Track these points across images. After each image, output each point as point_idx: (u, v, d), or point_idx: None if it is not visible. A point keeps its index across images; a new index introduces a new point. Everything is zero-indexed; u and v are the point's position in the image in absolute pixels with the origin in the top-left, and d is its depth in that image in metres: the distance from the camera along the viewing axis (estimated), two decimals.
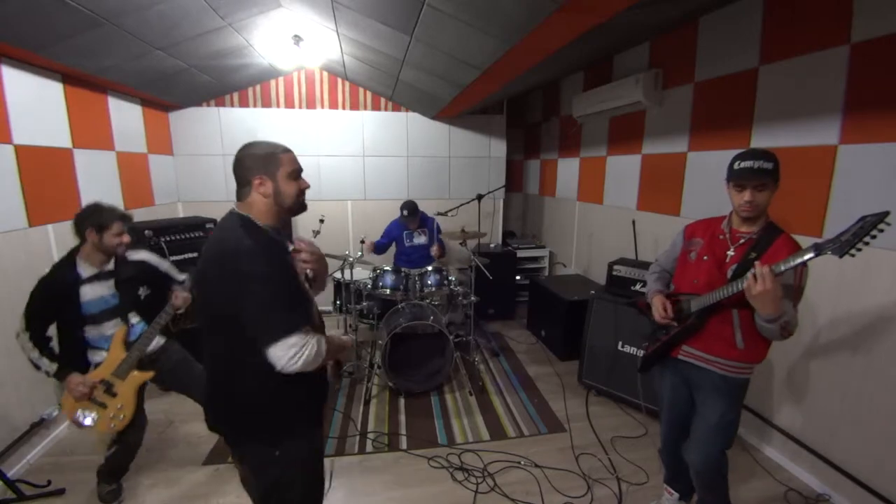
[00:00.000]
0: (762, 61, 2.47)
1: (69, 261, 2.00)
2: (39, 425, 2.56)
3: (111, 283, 2.06)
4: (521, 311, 4.90)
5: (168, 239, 3.25)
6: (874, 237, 1.32)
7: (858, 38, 2.00)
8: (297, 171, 1.48)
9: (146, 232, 3.11)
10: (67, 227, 2.86)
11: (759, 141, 2.51)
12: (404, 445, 2.67)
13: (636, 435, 2.78)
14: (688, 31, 2.97)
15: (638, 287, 3.06)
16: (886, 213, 1.30)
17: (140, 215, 3.78)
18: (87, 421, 2.01)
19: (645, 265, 3.08)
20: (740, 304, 1.60)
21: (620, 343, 3.06)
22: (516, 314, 4.95)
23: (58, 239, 2.81)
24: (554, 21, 1.89)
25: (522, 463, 2.51)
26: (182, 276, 2.24)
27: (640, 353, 2.95)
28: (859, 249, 1.33)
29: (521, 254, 5.12)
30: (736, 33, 2.62)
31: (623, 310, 3.06)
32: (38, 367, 1.97)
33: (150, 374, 2.11)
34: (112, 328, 2.06)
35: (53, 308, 1.97)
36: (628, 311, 3.03)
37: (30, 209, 2.59)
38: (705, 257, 1.76)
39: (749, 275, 1.44)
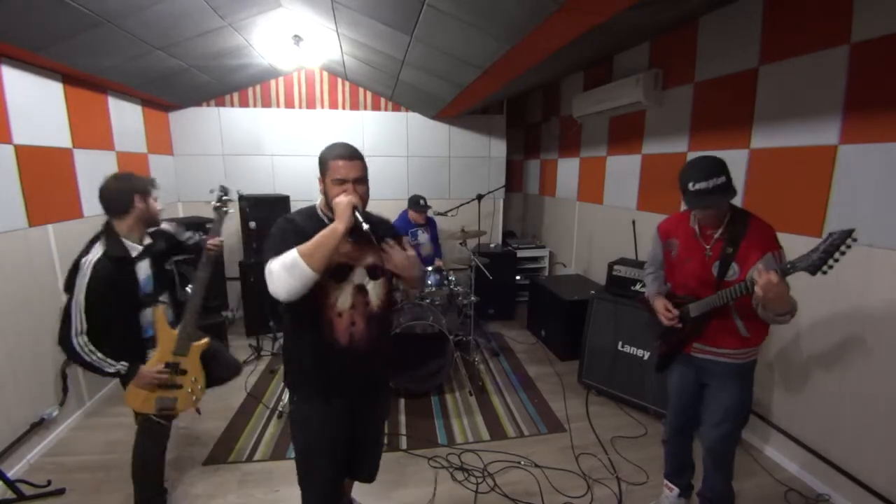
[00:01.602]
0: (762, 61, 2.47)
1: (115, 239, 1.83)
2: (39, 425, 2.56)
3: (147, 263, 1.94)
4: (521, 311, 4.90)
5: None
6: (843, 254, 1.35)
7: (858, 38, 2.00)
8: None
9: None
10: (67, 226, 2.91)
11: (760, 141, 2.51)
12: (404, 445, 2.67)
13: (636, 435, 2.78)
14: (688, 31, 2.97)
15: (638, 287, 3.06)
16: (851, 231, 1.34)
17: None
18: (171, 406, 1.96)
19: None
20: (737, 302, 1.65)
21: (620, 343, 3.06)
22: (516, 314, 4.95)
23: (58, 239, 2.80)
24: (554, 21, 1.89)
25: (522, 463, 2.51)
26: (188, 233, 2.20)
27: (641, 352, 2.95)
28: (831, 267, 1.36)
29: (521, 254, 5.12)
30: (736, 33, 2.62)
31: (623, 310, 3.07)
32: (100, 371, 1.79)
33: (206, 338, 2.02)
34: (150, 312, 1.94)
35: (113, 295, 1.79)
36: (628, 310, 3.03)
37: (30, 209, 2.59)
38: (687, 260, 1.81)
39: (759, 282, 1.43)
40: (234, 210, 2.25)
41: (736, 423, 1.81)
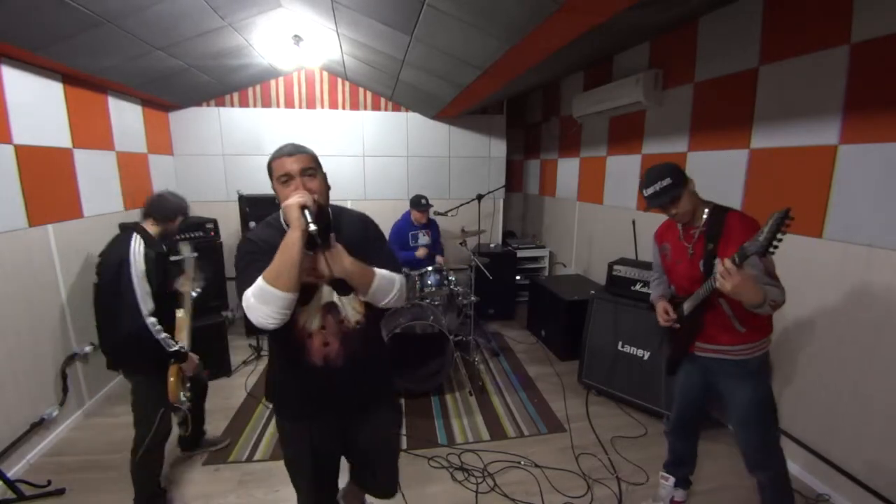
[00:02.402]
0: (762, 61, 2.47)
1: (151, 237, 2.08)
2: (39, 425, 2.56)
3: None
4: (521, 311, 4.90)
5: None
6: (784, 233, 1.38)
7: (858, 38, 2.00)
8: None
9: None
10: (67, 226, 2.91)
11: (760, 141, 2.51)
12: (404, 445, 2.67)
13: (636, 435, 2.78)
14: (688, 31, 2.97)
15: (638, 287, 3.06)
16: (788, 210, 1.37)
17: (140, 215, 3.78)
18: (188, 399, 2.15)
19: (645, 265, 3.09)
20: (724, 294, 1.61)
21: (620, 343, 3.06)
22: (516, 314, 4.95)
23: (58, 239, 2.81)
24: (554, 21, 1.89)
25: (522, 463, 2.51)
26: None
27: (641, 352, 2.95)
28: (776, 247, 1.39)
29: (521, 254, 5.12)
30: (736, 33, 2.62)
31: (623, 310, 3.07)
32: (167, 348, 1.97)
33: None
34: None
35: (162, 282, 2.02)
36: (628, 310, 3.04)
37: (30, 209, 2.59)
38: (678, 261, 1.85)
39: (716, 274, 1.50)
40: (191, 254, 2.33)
41: (760, 420, 1.78)
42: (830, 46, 2.11)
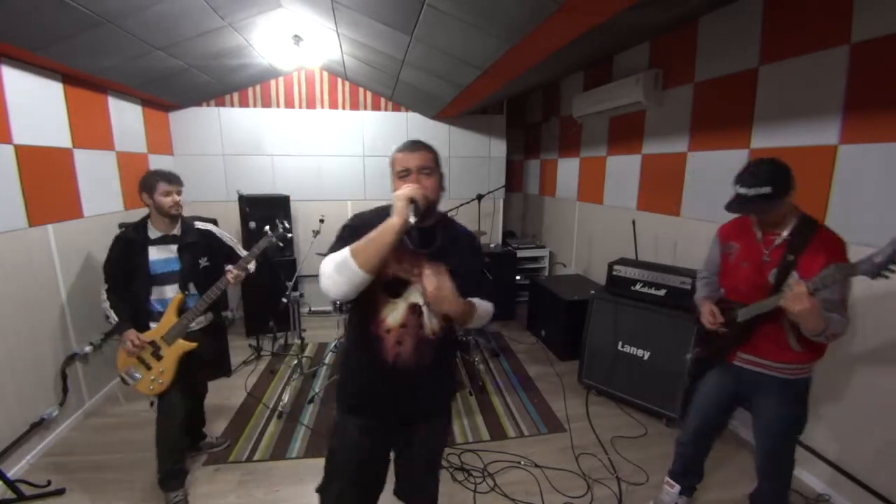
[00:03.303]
0: (762, 61, 2.47)
1: (141, 223, 2.18)
2: (39, 425, 2.56)
3: (174, 247, 2.19)
4: (521, 311, 4.90)
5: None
6: None
7: (858, 38, 2.00)
8: None
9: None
10: (67, 226, 2.91)
11: (760, 141, 2.51)
12: None
13: (636, 435, 2.78)
14: (688, 31, 2.97)
15: (638, 287, 3.06)
16: None
17: (140, 215, 3.77)
18: (133, 378, 2.14)
19: (645, 265, 3.09)
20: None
21: (620, 343, 3.06)
22: (516, 314, 4.95)
23: (58, 239, 2.81)
24: (554, 21, 1.89)
25: (522, 463, 2.51)
26: (244, 253, 2.31)
27: (641, 352, 2.95)
28: (893, 271, 1.29)
29: (521, 254, 5.12)
30: (736, 33, 2.62)
31: (623, 310, 3.07)
32: (107, 318, 2.11)
33: (193, 345, 2.18)
34: (172, 293, 2.17)
35: (125, 264, 2.12)
36: (628, 311, 3.03)
37: (30, 209, 2.59)
38: (744, 263, 1.73)
39: (786, 293, 1.41)
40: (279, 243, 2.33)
41: (789, 440, 1.75)
42: (830, 46, 2.11)
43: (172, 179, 2.16)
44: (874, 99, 1.97)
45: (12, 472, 2.33)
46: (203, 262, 2.26)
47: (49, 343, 2.71)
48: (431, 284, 1.24)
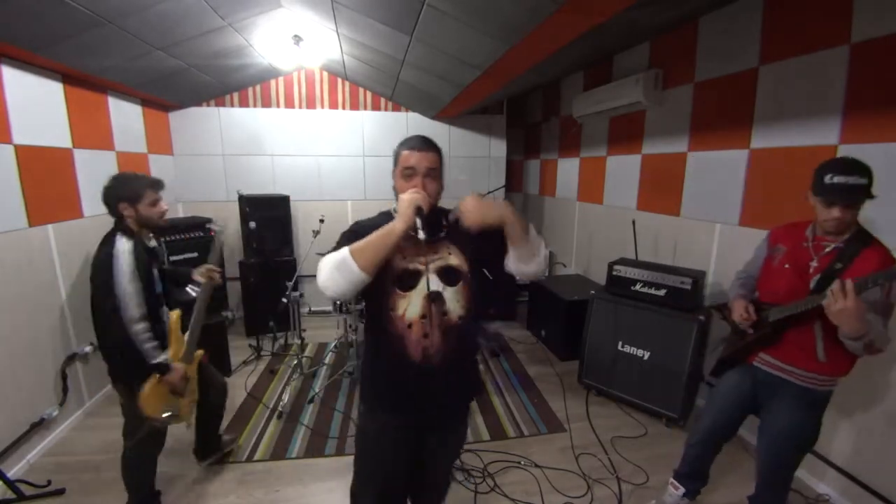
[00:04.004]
0: (762, 61, 2.47)
1: (130, 233, 1.84)
2: (39, 425, 2.56)
3: (154, 262, 1.96)
4: (521, 311, 4.90)
5: (168, 239, 3.25)
6: None
7: (858, 38, 2.00)
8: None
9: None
10: (67, 226, 2.91)
11: (760, 141, 2.51)
12: None
13: (636, 435, 2.77)
14: (688, 31, 2.97)
15: (638, 287, 3.06)
16: None
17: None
18: (174, 415, 1.93)
19: (645, 265, 3.09)
20: (824, 316, 1.50)
21: (620, 343, 3.06)
22: (516, 314, 4.95)
23: (58, 239, 2.81)
24: (554, 21, 1.89)
25: (522, 463, 2.51)
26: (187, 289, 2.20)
27: (641, 352, 2.95)
28: None
29: None
30: (736, 33, 2.62)
31: (623, 310, 3.07)
32: (142, 361, 1.76)
33: (202, 351, 2.10)
34: (165, 311, 1.98)
35: (148, 285, 1.81)
36: (628, 311, 3.03)
37: (30, 209, 2.59)
38: (786, 265, 1.69)
39: (829, 290, 1.38)
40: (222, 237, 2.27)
41: (795, 450, 1.73)
42: (830, 46, 2.11)
43: (158, 184, 1.92)
44: (874, 99, 1.97)
45: (12, 472, 2.33)
46: (165, 266, 2.10)
47: (49, 343, 2.71)
48: (469, 203, 1.23)
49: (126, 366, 1.80)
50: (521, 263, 1.32)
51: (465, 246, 1.36)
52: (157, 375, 1.83)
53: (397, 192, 1.33)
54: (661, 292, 2.92)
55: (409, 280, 1.30)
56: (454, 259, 1.35)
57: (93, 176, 3.21)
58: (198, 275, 2.07)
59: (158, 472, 2.22)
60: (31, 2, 2.06)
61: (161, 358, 1.82)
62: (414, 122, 5.05)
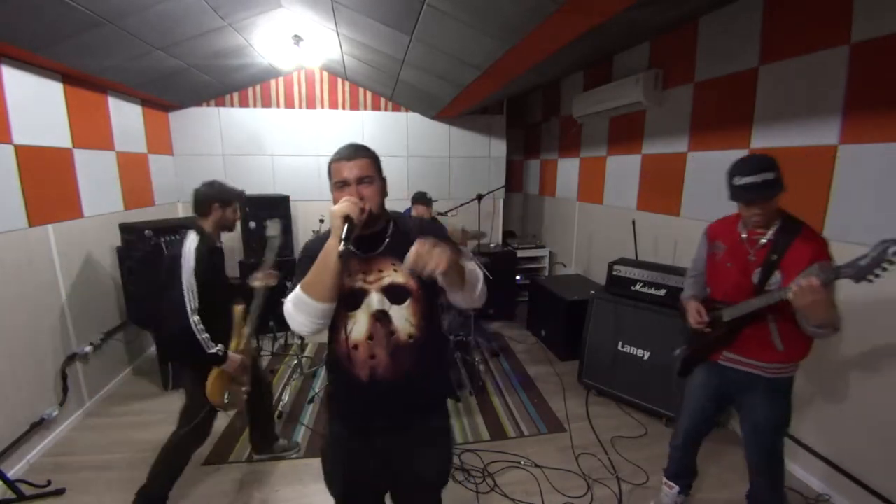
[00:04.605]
0: (762, 61, 2.47)
1: (203, 232, 2.05)
2: (39, 425, 2.56)
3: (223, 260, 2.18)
4: (521, 311, 4.89)
5: (168, 239, 3.25)
6: (893, 264, 1.28)
7: (858, 38, 2.00)
8: None
9: (146, 232, 3.11)
10: (67, 226, 2.91)
11: (760, 141, 2.51)
12: None
13: (636, 435, 2.77)
14: (688, 31, 2.97)
15: (638, 287, 3.06)
16: None
17: (140, 215, 3.79)
18: (231, 400, 2.09)
19: (645, 265, 3.09)
20: (774, 309, 1.58)
21: (620, 343, 3.06)
22: (516, 314, 4.95)
23: (58, 239, 2.81)
24: (554, 21, 1.89)
25: (522, 463, 2.51)
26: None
27: (641, 352, 2.95)
28: (877, 276, 1.30)
29: (521, 254, 5.12)
30: (736, 33, 2.62)
31: (623, 310, 3.07)
32: (201, 351, 1.92)
33: (255, 346, 2.22)
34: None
35: (212, 280, 1.99)
36: (628, 311, 3.03)
37: (30, 209, 2.59)
38: (728, 264, 1.74)
39: (794, 287, 1.40)
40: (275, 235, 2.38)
41: (777, 435, 1.77)
42: (830, 46, 2.11)
43: (243, 198, 2.19)
44: (874, 99, 1.96)
45: (12, 472, 2.33)
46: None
47: (49, 343, 2.71)
48: (413, 252, 1.08)
49: (192, 354, 1.94)
50: (456, 300, 1.28)
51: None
52: (217, 364, 1.99)
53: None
54: (661, 292, 2.92)
55: (354, 299, 1.24)
56: (400, 276, 1.26)
57: (93, 176, 3.21)
58: (256, 282, 2.19)
59: None
60: (31, 2, 2.06)
61: (217, 348, 1.96)
62: (414, 122, 5.05)
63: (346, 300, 1.24)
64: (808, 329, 1.51)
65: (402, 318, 1.26)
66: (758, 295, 1.62)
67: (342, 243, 1.08)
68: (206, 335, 1.92)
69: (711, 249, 1.86)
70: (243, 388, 2.15)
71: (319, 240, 1.27)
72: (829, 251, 1.57)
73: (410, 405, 1.33)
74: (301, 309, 1.17)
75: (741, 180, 1.55)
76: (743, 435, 1.85)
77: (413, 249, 1.08)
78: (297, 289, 1.18)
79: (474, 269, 1.29)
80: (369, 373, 1.26)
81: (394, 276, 1.26)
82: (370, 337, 1.25)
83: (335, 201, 1.19)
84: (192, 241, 1.97)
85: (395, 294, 1.26)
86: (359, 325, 1.25)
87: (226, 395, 2.05)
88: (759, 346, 1.69)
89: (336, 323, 1.26)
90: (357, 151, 1.23)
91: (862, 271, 1.32)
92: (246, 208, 4.18)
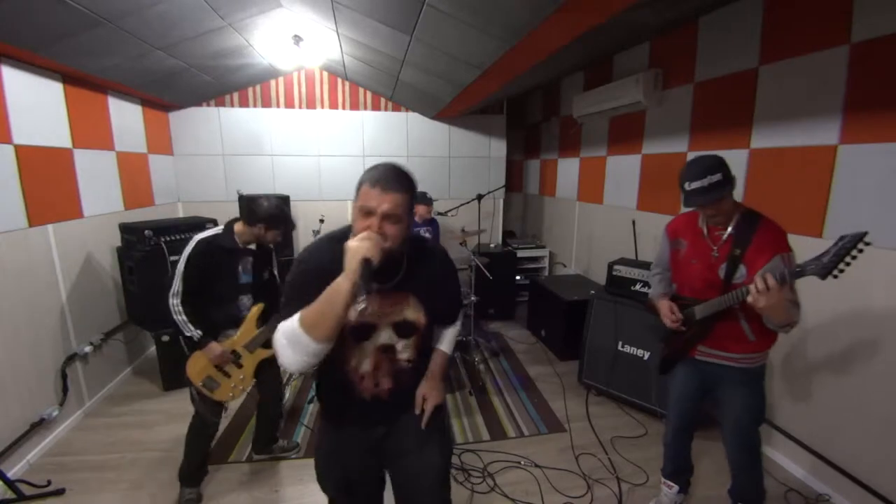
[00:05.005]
0: (762, 61, 2.47)
1: (228, 230, 2.14)
2: (39, 425, 2.56)
3: (251, 259, 2.23)
4: (521, 311, 4.90)
5: (168, 239, 3.25)
6: (854, 258, 1.32)
7: (858, 38, 2.00)
8: None
9: (146, 232, 3.11)
10: (67, 226, 2.91)
11: (760, 141, 2.51)
12: None
13: (636, 435, 2.78)
14: (688, 31, 2.97)
15: (638, 287, 3.06)
16: (864, 234, 1.30)
17: (140, 215, 3.79)
18: (214, 386, 2.15)
19: (645, 265, 3.09)
20: (742, 306, 1.63)
21: (620, 343, 3.06)
22: (516, 314, 4.95)
23: (58, 239, 2.81)
24: (554, 21, 1.89)
25: (522, 463, 2.51)
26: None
27: (641, 352, 2.95)
28: (842, 271, 1.33)
29: (521, 254, 5.12)
30: (736, 33, 2.62)
31: (623, 310, 3.07)
32: (181, 332, 2.07)
33: (272, 352, 2.20)
34: (245, 303, 2.24)
35: (210, 271, 2.07)
36: (628, 311, 3.03)
37: (30, 209, 2.59)
38: (693, 261, 1.78)
39: (753, 288, 1.43)
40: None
41: (753, 424, 1.80)
42: (830, 46, 2.11)
43: (284, 225, 2.19)
44: (874, 99, 1.96)
45: (12, 472, 2.33)
46: (266, 274, 2.34)
47: (49, 343, 2.71)
48: (430, 409, 1.35)
49: (177, 331, 2.09)
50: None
51: (423, 296, 1.27)
52: (197, 347, 2.10)
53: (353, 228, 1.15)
54: None
55: (362, 333, 1.23)
56: (411, 312, 1.25)
57: (93, 176, 3.21)
58: None
59: (160, 471, 2.25)
60: (31, 2, 2.06)
61: (193, 332, 2.05)
62: (414, 122, 5.05)
63: (357, 333, 1.21)
64: (771, 326, 1.58)
65: (405, 348, 1.29)
66: (726, 289, 1.66)
67: (362, 291, 1.02)
68: (183, 317, 2.03)
69: (674, 247, 1.90)
70: (232, 383, 2.18)
71: (316, 252, 1.21)
72: (787, 241, 1.61)
73: (407, 405, 1.38)
74: (295, 345, 1.06)
75: (690, 185, 1.59)
76: (723, 431, 1.86)
77: (430, 406, 1.33)
78: (295, 324, 1.06)
79: (452, 340, 1.50)
80: (372, 394, 1.29)
81: (405, 312, 1.25)
82: (376, 367, 1.27)
83: (354, 223, 1.13)
84: (201, 234, 2.10)
85: (404, 329, 1.26)
86: (366, 359, 1.26)
87: (203, 379, 2.12)
88: (733, 339, 1.73)
89: (343, 353, 1.24)
90: (394, 185, 1.10)
91: (826, 267, 1.34)
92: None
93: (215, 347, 2.08)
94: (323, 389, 1.40)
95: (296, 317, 1.06)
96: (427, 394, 1.37)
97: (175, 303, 2.03)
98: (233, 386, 2.18)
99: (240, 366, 2.19)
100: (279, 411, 2.59)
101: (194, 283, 2.04)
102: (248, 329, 2.18)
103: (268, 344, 2.20)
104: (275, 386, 2.46)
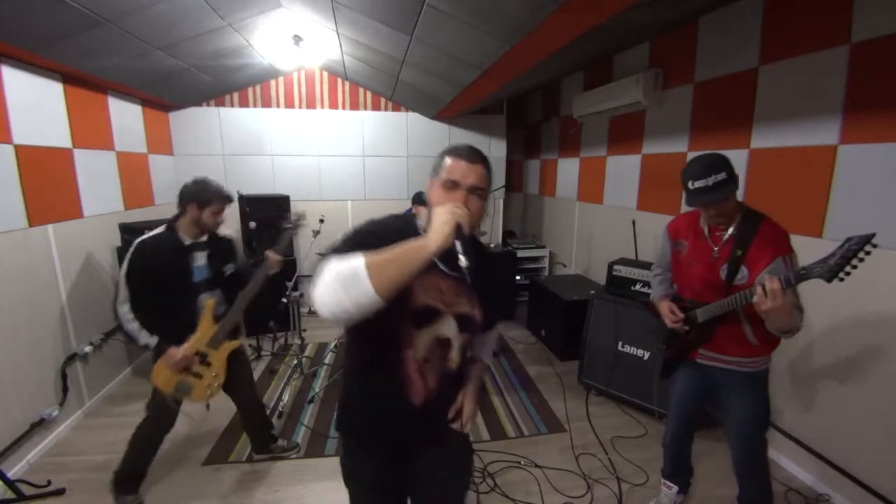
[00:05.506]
0: (762, 61, 2.47)
1: (170, 228, 2.06)
2: (39, 425, 2.56)
3: (205, 254, 2.14)
4: (521, 311, 4.89)
5: None
6: (861, 260, 1.29)
7: (858, 38, 2.00)
8: None
9: (146, 232, 3.10)
10: (68, 226, 2.91)
11: (759, 141, 2.51)
12: None
13: (636, 435, 2.77)
14: (688, 31, 2.97)
15: (638, 287, 3.06)
16: (872, 236, 1.28)
17: (140, 215, 3.79)
18: (186, 393, 2.07)
19: (645, 265, 3.09)
20: (745, 309, 1.61)
21: (620, 343, 3.06)
22: (516, 314, 4.95)
23: (58, 239, 2.81)
24: (554, 21, 1.89)
25: (522, 463, 2.51)
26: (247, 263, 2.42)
27: (641, 352, 2.95)
28: (848, 273, 1.31)
29: (521, 254, 5.12)
30: (736, 33, 2.62)
31: (623, 310, 3.06)
32: (134, 340, 1.98)
33: (239, 342, 2.19)
34: (202, 301, 2.13)
35: (156, 273, 1.96)
36: (628, 311, 3.03)
37: (30, 209, 2.59)
38: (694, 262, 1.76)
39: (758, 290, 1.41)
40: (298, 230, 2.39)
41: (759, 429, 1.78)
42: (830, 46, 2.11)
43: (226, 200, 2.11)
44: (874, 99, 1.96)
45: (12, 472, 2.33)
46: (228, 268, 2.25)
47: (49, 343, 2.71)
48: (468, 418, 1.31)
49: (132, 341, 2.01)
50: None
51: (483, 294, 1.18)
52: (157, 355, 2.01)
53: (430, 206, 1.10)
54: None
55: (425, 319, 1.12)
56: (466, 306, 1.17)
57: (93, 176, 3.21)
58: (270, 254, 2.27)
59: (160, 472, 2.22)
60: (31, 2, 2.06)
61: (147, 340, 1.97)
62: (414, 122, 5.05)
63: (420, 317, 1.12)
64: (773, 330, 1.54)
65: (459, 347, 1.20)
66: (728, 290, 1.64)
67: (462, 258, 0.95)
68: (135, 325, 1.95)
69: (675, 248, 1.87)
70: (205, 382, 2.09)
71: (386, 222, 1.15)
72: (789, 243, 1.59)
73: (445, 421, 1.29)
74: (350, 289, 0.92)
75: (694, 184, 1.56)
76: (728, 437, 1.85)
77: (467, 412, 1.30)
78: (360, 261, 0.93)
79: (491, 346, 1.49)
80: (424, 398, 1.17)
81: (465, 305, 1.17)
82: (426, 359, 1.16)
83: (435, 198, 1.09)
84: (143, 236, 2.01)
85: (465, 323, 1.18)
86: (420, 346, 1.14)
87: (176, 385, 2.03)
88: (735, 342, 1.71)
89: (399, 340, 1.12)
90: (480, 157, 1.11)
91: (832, 270, 1.32)
92: (246, 208, 4.18)
93: (174, 353, 1.96)
94: (354, 397, 1.25)
95: (360, 258, 0.94)
96: (465, 404, 1.31)
97: (124, 310, 1.93)
98: (207, 385, 2.11)
99: (208, 364, 2.10)
100: (258, 401, 2.50)
101: (141, 287, 1.93)
102: (206, 325, 2.08)
103: (233, 334, 2.17)
104: (244, 375, 2.36)
